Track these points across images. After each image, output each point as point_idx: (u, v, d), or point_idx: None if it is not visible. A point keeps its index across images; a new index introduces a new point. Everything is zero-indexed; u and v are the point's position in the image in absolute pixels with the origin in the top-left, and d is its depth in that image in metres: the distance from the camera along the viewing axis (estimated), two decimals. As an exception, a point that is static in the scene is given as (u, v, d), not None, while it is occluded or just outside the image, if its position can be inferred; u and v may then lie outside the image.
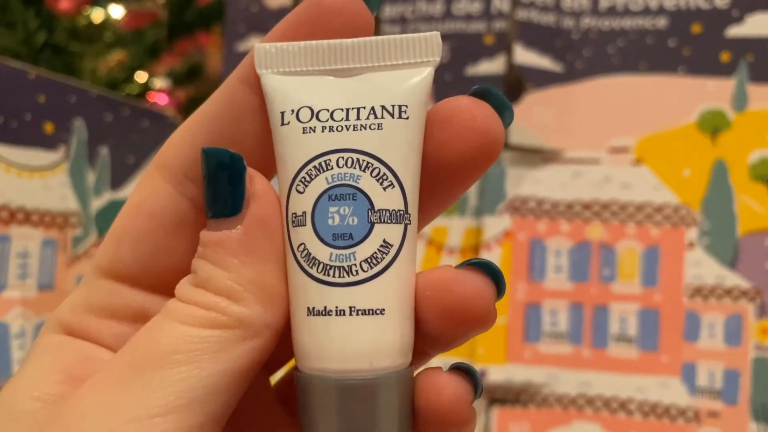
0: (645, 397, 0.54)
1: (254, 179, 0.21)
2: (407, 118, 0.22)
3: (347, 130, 0.21)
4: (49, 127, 0.51)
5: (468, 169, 0.22)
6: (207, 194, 0.21)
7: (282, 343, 0.23)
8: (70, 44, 0.81)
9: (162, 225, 0.23)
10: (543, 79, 0.59)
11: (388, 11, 0.62)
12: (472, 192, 0.59)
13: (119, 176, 0.58)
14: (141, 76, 0.87)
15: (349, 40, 0.22)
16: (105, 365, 0.21)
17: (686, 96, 0.56)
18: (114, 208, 0.57)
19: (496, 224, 0.57)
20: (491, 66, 0.60)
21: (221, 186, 0.21)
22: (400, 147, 0.22)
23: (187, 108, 0.88)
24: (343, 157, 0.21)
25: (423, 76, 0.22)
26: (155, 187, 0.23)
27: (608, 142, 0.57)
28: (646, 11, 0.58)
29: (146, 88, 0.87)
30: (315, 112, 0.22)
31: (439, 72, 0.61)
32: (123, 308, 0.23)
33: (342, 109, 0.22)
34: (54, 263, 0.51)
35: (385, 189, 0.21)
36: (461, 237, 0.59)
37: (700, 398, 0.53)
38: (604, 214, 0.57)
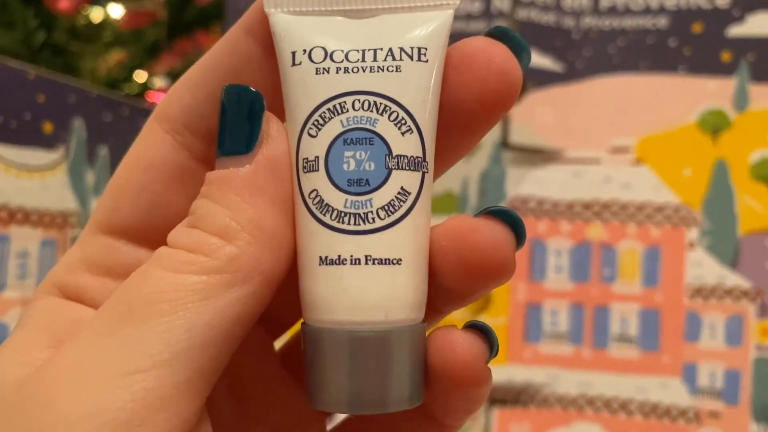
0: (646, 398, 0.54)
1: (270, 121, 0.21)
2: (427, 61, 0.21)
3: (363, 71, 0.20)
4: (48, 127, 0.51)
5: (485, 112, 0.21)
6: (221, 129, 0.20)
7: (286, 304, 0.22)
8: (70, 44, 0.80)
9: (161, 176, 0.22)
10: (543, 78, 0.58)
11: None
12: (473, 192, 0.59)
13: (119, 176, 0.58)
14: (140, 76, 0.86)
15: None
16: (86, 322, 0.19)
17: (687, 96, 0.56)
18: (113, 208, 0.57)
19: (496, 224, 0.57)
20: (491, 65, 0.60)
21: (238, 122, 0.20)
22: (420, 91, 0.21)
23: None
24: (359, 100, 0.20)
25: (443, 18, 0.21)
26: (154, 138, 0.22)
27: (609, 142, 0.57)
28: (646, 11, 0.58)
29: (146, 87, 0.87)
30: (329, 52, 0.21)
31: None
32: (119, 265, 0.22)
33: (358, 50, 0.21)
34: (53, 263, 0.51)
35: (403, 134, 0.20)
36: (461, 237, 0.58)
37: (701, 399, 0.53)
38: (605, 214, 0.56)
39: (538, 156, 0.58)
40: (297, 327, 0.25)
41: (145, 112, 0.61)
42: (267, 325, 0.25)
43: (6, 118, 0.47)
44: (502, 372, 0.56)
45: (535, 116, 0.58)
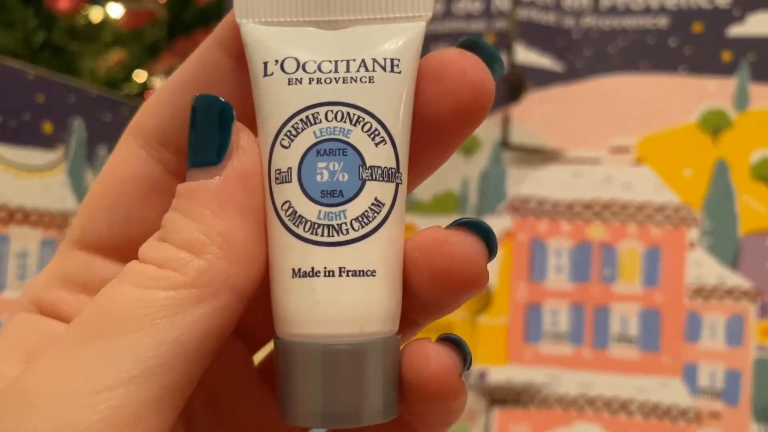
0: (646, 398, 0.54)
1: (241, 132, 0.20)
2: (399, 72, 0.21)
3: (336, 82, 0.20)
4: (48, 127, 0.51)
5: (458, 124, 0.21)
6: (191, 140, 0.20)
7: (263, 318, 0.22)
8: (69, 44, 0.80)
9: (135, 191, 0.22)
10: (544, 78, 0.58)
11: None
12: (473, 192, 0.59)
13: (118, 176, 0.58)
14: (140, 76, 0.86)
15: None
16: (55, 340, 0.19)
17: (687, 95, 0.56)
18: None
19: (496, 224, 0.57)
20: (492, 65, 0.60)
21: (208, 132, 0.20)
22: (393, 102, 0.21)
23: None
24: (332, 111, 0.20)
25: (416, 30, 0.21)
26: (129, 153, 0.22)
27: (609, 142, 0.57)
28: (647, 10, 0.58)
29: (145, 87, 0.87)
30: (301, 63, 0.21)
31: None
32: (95, 281, 0.22)
33: (330, 61, 0.21)
34: (53, 263, 0.51)
35: (376, 145, 0.20)
36: (461, 237, 0.58)
37: (701, 399, 0.53)
38: (605, 214, 0.56)
39: (538, 156, 0.58)
40: None
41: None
42: (245, 338, 0.25)
43: (5, 118, 0.47)
44: (502, 372, 0.56)
45: (535, 116, 0.58)
